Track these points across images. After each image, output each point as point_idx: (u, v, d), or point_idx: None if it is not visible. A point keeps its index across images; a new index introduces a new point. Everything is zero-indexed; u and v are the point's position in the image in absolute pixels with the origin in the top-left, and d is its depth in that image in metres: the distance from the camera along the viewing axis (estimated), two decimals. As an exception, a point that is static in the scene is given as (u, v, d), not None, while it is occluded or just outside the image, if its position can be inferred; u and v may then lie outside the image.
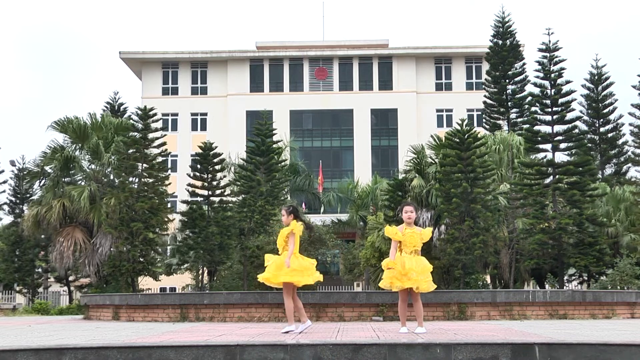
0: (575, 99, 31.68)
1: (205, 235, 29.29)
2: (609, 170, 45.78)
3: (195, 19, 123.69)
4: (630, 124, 37.74)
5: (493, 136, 35.51)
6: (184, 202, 31.18)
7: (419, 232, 9.61)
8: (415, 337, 8.33)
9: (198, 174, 30.98)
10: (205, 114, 59.00)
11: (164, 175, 30.15)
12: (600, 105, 46.24)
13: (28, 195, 38.54)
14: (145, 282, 33.21)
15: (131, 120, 32.79)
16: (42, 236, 36.76)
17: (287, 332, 9.52)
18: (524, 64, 48.00)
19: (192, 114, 58.94)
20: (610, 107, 46.08)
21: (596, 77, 46.66)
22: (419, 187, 30.41)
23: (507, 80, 47.59)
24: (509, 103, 47.38)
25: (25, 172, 37.69)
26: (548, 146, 30.46)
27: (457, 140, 28.58)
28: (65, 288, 38.23)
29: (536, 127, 31.26)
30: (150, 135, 30.00)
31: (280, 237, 10.06)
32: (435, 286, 9.84)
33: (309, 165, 50.67)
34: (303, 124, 58.31)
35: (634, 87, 37.29)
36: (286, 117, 56.91)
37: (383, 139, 58.23)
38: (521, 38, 65.70)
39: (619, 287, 26.72)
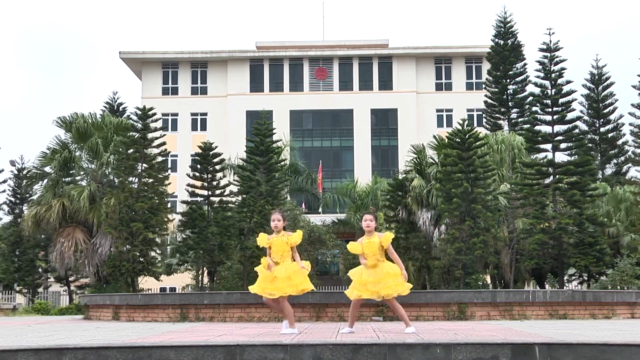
0: (576, 99, 31.70)
1: (205, 235, 29.28)
2: (609, 170, 45.85)
3: (195, 19, 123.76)
4: (631, 124, 37.78)
5: (495, 136, 35.52)
6: (184, 202, 31.17)
7: (377, 241, 9.73)
8: (415, 337, 8.32)
9: (198, 174, 30.96)
10: (205, 114, 59.00)
11: (163, 175, 30.12)
12: (601, 105, 46.31)
13: (28, 195, 38.53)
14: (145, 282, 33.20)
15: (130, 120, 32.78)
16: (42, 236, 36.74)
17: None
18: (525, 64, 48.07)
19: (192, 114, 58.94)
20: (611, 107, 46.17)
21: (596, 77, 46.74)
22: (419, 187, 30.40)
23: (508, 80, 47.64)
24: (510, 103, 47.44)
25: (25, 173, 37.66)
26: (548, 146, 30.47)
27: (458, 140, 28.58)
28: (65, 288, 38.22)
29: (537, 127, 31.27)
30: (150, 135, 29.97)
31: (283, 245, 9.84)
32: (409, 286, 9.87)
33: (309, 165, 50.69)
34: (303, 124, 58.30)
35: (634, 87, 37.32)
36: (286, 117, 56.90)
37: (383, 139, 58.23)
38: (522, 38, 65.91)
39: (619, 287, 26.72)
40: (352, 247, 9.96)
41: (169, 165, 43.35)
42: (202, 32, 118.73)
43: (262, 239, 10.01)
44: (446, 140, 30.27)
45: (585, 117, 45.99)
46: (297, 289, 9.79)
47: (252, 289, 10.04)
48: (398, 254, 10.16)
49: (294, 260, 9.89)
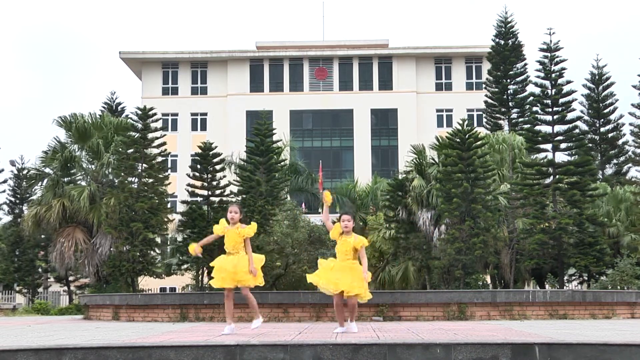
0: (576, 99, 31.69)
1: (205, 236, 29.23)
2: (609, 170, 45.84)
3: (195, 19, 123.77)
4: (631, 124, 37.79)
5: (495, 136, 35.51)
6: (184, 202, 31.18)
7: (350, 241, 9.82)
8: (415, 337, 8.32)
9: (198, 174, 30.96)
10: (205, 114, 59.00)
11: (163, 175, 30.11)
12: (601, 105, 46.30)
13: (28, 195, 38.54)
14: (145, 282, 33.20)
15: (131, 120, 32.79)
16: (42, 236, 36.73)
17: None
18: (525, 64, 48.10)
19: (192, 114, 58.94)
20: (611, 107, 46.16)
21: (597, 77, 46.73)
22: (419, 187, 30.39)
23: (508, 80, 47.67)
24: (510, 103, 47.47)
25: (25, 173, 37.67)
26: (548, 146, 30.47)
27: (458, 140, 28.59)
28: (65, 288, 38.22)
29: (537, 127, 31.27)
30: (150, 135, 29.95)
31: (236, 237, 9.90)
32: (369, 297, 9.91)
33: (309, 165, 50.68)
34: (303, 124, 58.32)
35: (634, 87, 37.32)
36: (286, 117, 56.90)
37: (383, 139, 58.24)
38: (522, 38, 65.89)
39: (619, 287, 26.72)
40: (336, 227, 9.94)
41: (169, 165, 43.33)
42: (202, 32, 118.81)
43: (219, 227, 10.05)
44: (447, 140, 30.27)
45: (586, 117, 45.97)
46: (237, 284, 9.84)
47: (212, 282, 10.19)
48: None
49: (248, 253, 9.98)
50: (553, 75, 30.86)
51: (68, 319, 19.94)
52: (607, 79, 46.54)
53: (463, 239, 27.31)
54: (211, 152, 30.90)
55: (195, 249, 10.15)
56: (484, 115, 49.35)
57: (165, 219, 29.90)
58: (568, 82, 30.96)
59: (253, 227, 10.06)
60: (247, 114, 57.31)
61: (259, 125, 31.84)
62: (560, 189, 29.21)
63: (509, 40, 48.39)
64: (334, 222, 10.19)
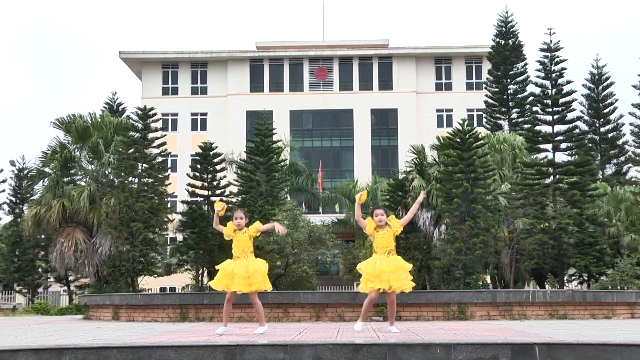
0: (576, 99, 31.72)
1: (205, 235, 29.28)
2: (609, 170, 45.88)
3: (195, 19, 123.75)
4: (631, 124, 37.83)
5: (495, 136, 35.52)
6: (184, 202, 31.17)
7: (390, 232, 9.74)
8: (415, 337, 8.32)
9: (198, 174, 30.97)
10: (205, 114, 58.97)
11: (163, 175, 30.12)
12: (601, 105, 46.33)
13: (28, 195, 38.54)
14: (145, 282, 33.20)
15: (131, 120, 32.80)
16: (42, 236, 36.73)
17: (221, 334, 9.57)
18: (525, 63, 48.13)
19: (192, 114, 58.91)
20: (611, 107, 46.20)
21: (597, 77, 46.76)
22: (419, 188, 30.41)
23: (508, 80, 47.70)
24: (511, 103, 47.49)
25: (25, 173, 37.67)
26: (549, 146, 30.49)
27: (459, 140, 28.60)
28: (65, 288, 38.22)
29: (537, 127, 31.28)
30: (150, 135, 29.97)
31: (245, 241, 9.97)
32: (413, 285, 9.90)
33: (309, 165, 50.66)
34: (303, 124, 58.27)
35: (634, 87, 37.34)
36: (286, 117, 56.87)
37: (383, 139, 58.19)
38: (522, 38, 65.60)
39: (619, 287, 26.72)
40: (369, 223, 9.86)
41: (169, 165, 43.32)
42: (202, 32, 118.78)
43: (228, 231, 10.09)
44: (447, 140, 30.27)
45: (586, 117, 46.01)
46: (252, 288, 9.90)
47: (212, 284, 10.21)
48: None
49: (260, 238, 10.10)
50: (553, 75, 30.87)
51: (68, 319, 19.93)
52: (607, 79, 46.56)
53: (463, 239, 27.31)
54: (211, 152, 30.91)
55: (220, 207, 10.25)
56: (484, 115, 49.35)
57: (165, 219, 29.90)
58: (568, 82, 30.98)
59: (256, 224, 10.14)
60: (247, 114, 57.27)
61: (259, 125, 31.83)
62: (560, 189, 29.21)
63: (509, 40, 48.41)
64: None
